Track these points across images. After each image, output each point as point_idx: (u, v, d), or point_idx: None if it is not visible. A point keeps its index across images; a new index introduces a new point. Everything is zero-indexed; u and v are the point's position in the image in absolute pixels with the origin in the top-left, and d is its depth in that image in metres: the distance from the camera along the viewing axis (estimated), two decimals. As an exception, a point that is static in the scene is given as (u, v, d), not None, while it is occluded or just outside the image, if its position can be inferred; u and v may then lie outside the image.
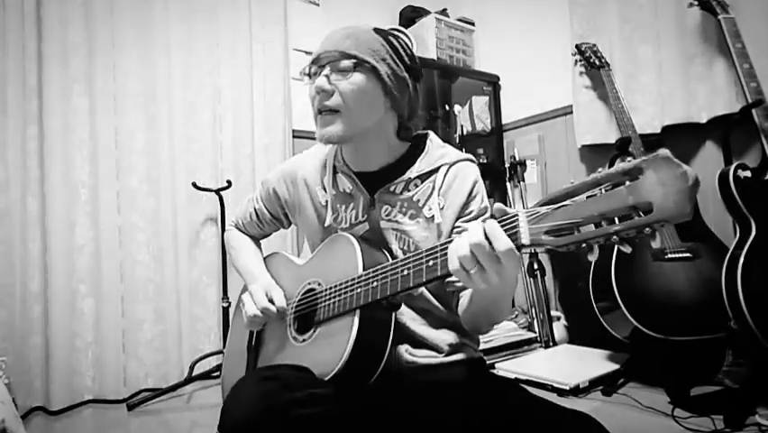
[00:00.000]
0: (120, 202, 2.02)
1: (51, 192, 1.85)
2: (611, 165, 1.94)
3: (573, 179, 0.57)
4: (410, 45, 0.89)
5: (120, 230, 2.01)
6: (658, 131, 2.02)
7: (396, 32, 0.89)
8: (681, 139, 1.99)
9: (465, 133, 2.73)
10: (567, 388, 1.71)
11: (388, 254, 0.87)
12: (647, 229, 0.49)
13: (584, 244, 0.55)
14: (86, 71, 1.94)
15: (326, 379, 0.75)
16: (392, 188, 0.90)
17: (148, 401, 1.84)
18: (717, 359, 1.68)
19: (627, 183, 0.51)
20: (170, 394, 1.93)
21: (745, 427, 1.36)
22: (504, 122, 2.76)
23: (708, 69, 1.87)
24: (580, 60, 2.18)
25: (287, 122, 2.44)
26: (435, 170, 0.91)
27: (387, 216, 0.90)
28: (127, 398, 1.92)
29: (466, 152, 2.64)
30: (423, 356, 0.87)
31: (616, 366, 1.85)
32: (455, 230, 0.88)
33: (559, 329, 2.32)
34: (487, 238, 0.61)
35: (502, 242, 0.60)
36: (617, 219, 0.52)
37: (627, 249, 0.52)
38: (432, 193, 0.89)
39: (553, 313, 2.39)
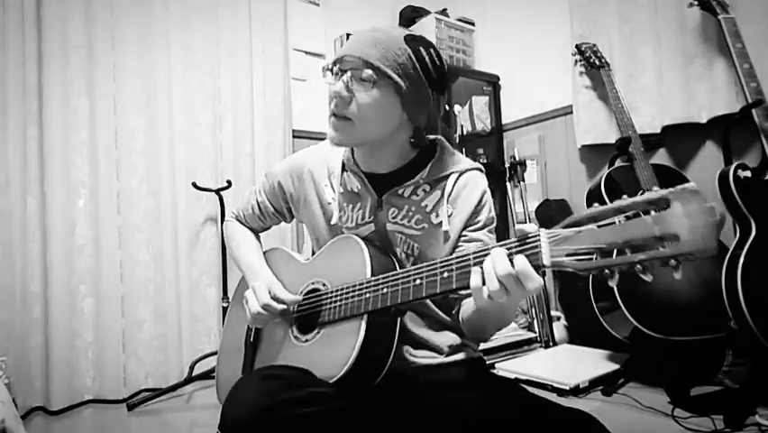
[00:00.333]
0: (120, 202, 2.02)
1: (51, 192, 1.85)
2: (611, 165, 1.95)
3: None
4: (438, 58, 0.85)
5: (120, 230, 2.01)
6: (658, 131, 2.02)
7: (426, 44, 0.84)
8: (681, 139, 2.00)
9: (465, 133, 2.73)
10: (567, 388, 1.71)
11: (395, 261, 0.87)
12: (672, 261, 0.50)
13: (606, 270, 0.55)
14: (86, 71, 1.94)
15: (331, 382, 0.75)
16: (400, 192, 0.90)
17: (148, 401, 1.84)
18: (717, 359, 1.68)
19: (653, 213, 0.51)
20: (170, 394, 1.93)
21: (745, 427, 1.36)
22: (504, 122, 2.76)
23: (708, 69, 1.87)
24: (580, 60, 2.18)
25: (287, 122, 2.44)
26: (445, 178, 0.90)
27: (393, 218, 0.90)
28: (127, 398, 1.92)
29: (466, 152, 2.65)
30: (423, 357, 0.87)
31: (616, 366, 1.85)
32: (462, 238, 0.88)
33: (559, 329, 2.32)
34: (511, 261, 0.62)
35: (529, 273, 0.60)
36: (635, 248, 0.52)
37: (649, 278, 0.53)
38: (440, 200, 0.89)
39: (553, 313, 2.39)
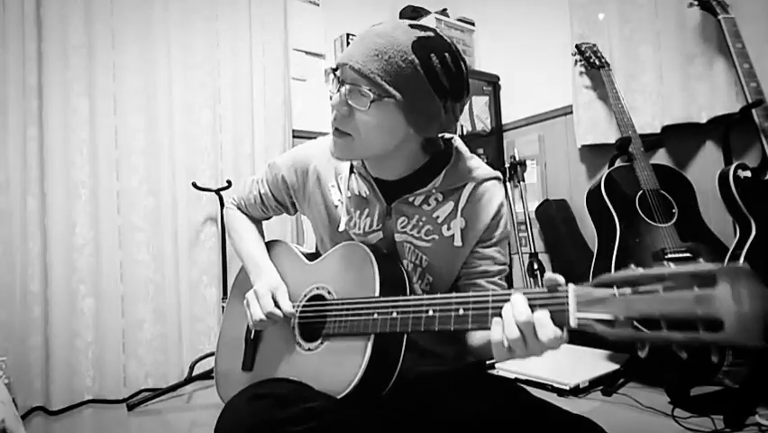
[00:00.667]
0: (120, 202, 2.02)
1: (51, 192, 1.85)
2: (611, 165, 1.95)
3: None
4: (454, 61, 0.75)
5: (120, 230, 2.01)
6: (658, 131, 2.02)
7: (439, 48, 0.74)
8: (681, 139, 2.00)
9: (465, 133, 2.73)
10: (567, 388, 1.71)
11: (405, 275, 0.83)
12: (713, 350, 0.47)
13: (638, 343, 0.51)
14: (86, 71, 1.94)
15: (337, 397, 0.74)
16: (411, 199, 0.84)
17: (148, 401, 1.84)
18: (718, 359, 1.68)
19: (696, 289, 0.47)
20: (170, 394, 1.93)
21: (745, 427, 1.36)
22: (504, 122, 2.76)
23: (708, 69, 1.87)
24: (580, 60, 2.18)
25: (287, 122, 2.44)
26: (460, 187, 0.84)
27: (402, 228, 0.85)
28: (127, 398, 1.92)
29: (466, 152, 2.65)
30: (426, 364, 0.86)
31: (616, 366, 1.85)
32: (473, 255, 0.85)
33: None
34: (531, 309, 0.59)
35: (550, 331, 0.57)
36: (671, 323, 0.49)
37: (684, 355, 0.49)
38: (453, 212, 0.83)
39: (553, 313, 2.39)
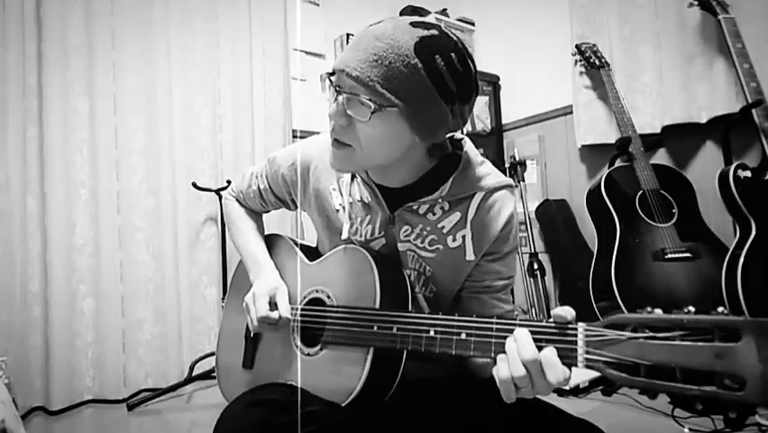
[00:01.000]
0: (120, 202, 2.02)
1: (51, 192, 1.85)
2: (611, 165, 1.95)
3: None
4: (461, 61, 0.69)
5: (120, 230, 2.01)
6: (658, 131, 2.02)
7: (444, 48, 0.68)
8: (681, 139, 2.00)
9: (465, 133, 2.73)
10: (567, 388, 1.71)
11: (407, 283, 0.81)
12: (731, 410, 0.44)
13: (650, 391, 0.49)
14: (86, 71, 1.94)
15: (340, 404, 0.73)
16: (415, 207, 0.80)
17: (148, 401, 1.84)
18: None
19: (718, 343, 0.44)
20: (170, 394, 1.93)
21: (745, 427, 1.37)
22: (504, 122, 2.76)
23: (708, 69, 1.87)
24: (580, 60, 2.18)
25: (287, 122, 2.44)
26: (469, 197, 0.79)
27: (405, 236, 0.82)
28: (127, 398, 1.92)
29: (466, 152, 2.65)
30: (426, 369, 0.85)
31: (616, 366, 1.85)
32: (478, 268, 0.82)
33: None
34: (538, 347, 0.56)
35: (558, 371, 0.54)
36: (686, 373, 0.47)
37: (699, 407, 0.47)
38: (459, 222, 0.79)
39: (553, 313, 2.39)
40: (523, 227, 2.58)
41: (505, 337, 0.59)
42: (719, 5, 1.73)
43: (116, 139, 2.02)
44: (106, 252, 1.96)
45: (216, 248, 2.21)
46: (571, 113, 2.32)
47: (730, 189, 1.49)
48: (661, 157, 2.08)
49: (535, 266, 2.41)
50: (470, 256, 0.79)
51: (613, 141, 2.05)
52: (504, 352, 0.58)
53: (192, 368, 1.99)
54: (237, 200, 1.07)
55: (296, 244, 1.00)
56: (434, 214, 0.80)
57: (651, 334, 0.49)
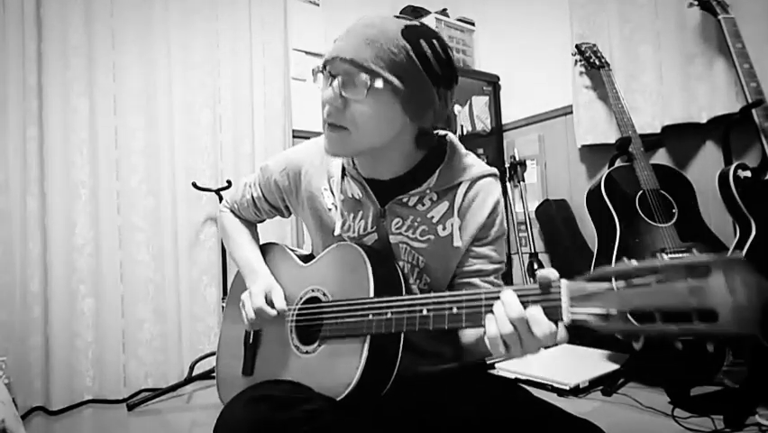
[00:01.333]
0: (120, 202, 2.02)
1: (51, 192, 1.85)
2: (611, 165, 1.95)
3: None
4: (443, 49, 0.76)
5: (120, 230, 2.01)
6: (658, 131, 2.02)
7: (428, 35, 0.75)
8: (681, 139, 2.00)
9: (465, 133, 2.73)
10: (567, 388, 1.71)
11: (400, 273, 0.82)
12: (708, 340, 0.47)
13: (632, 337, 0.52)
14: (87, 71, 1.94)
15: (337, 399, 0.73)
16: (405, 200, 0.83)
17: (148, 401, 1.85)
18: (717, 359, 1.68)
19: (690, 280, 0.47)
20: (170, 394, 1.93)
21: (745, 427, 1.36)
22: (504, 122, 2.76)
23: (708, 69, 1.87)
24: (580, 60, 2.18)
25: (287, 122, 2.44)
26: (455, 186, 0.83)
27: (397, 229, 0.84)
28: (127, 398, 1.92)
29: (466, 152, 2.65)
30: (424, 364, 0.86)
31: (616, 366, 1.85)
32: (469, 254, 0.84)
33: (559, 329, 2.32)
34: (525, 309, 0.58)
35: (544, 326, 0.57)
36: (666, 315, 0.49)
37: (679, 346, 0.50)
38: (448, 211, 0.82)
39: (553, 313, 2.39)
40: (523, 227, 2.58)
41: (493, 305, 0.62)
42: (719, 5, 1.73)
43: (116, 139, 2.02)
44: (106, 252, 1.96)
45: (216, 248, 2.21)
46: (571, 113, 2.32)
47: (730, 189, 1.49)
48: (661, 157, 2.08)
49: (535, 266, 2.41)
50: (457, 242, 0.82)
51: (613, 141, 2.05)
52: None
53: (192, 368, 1.99)
54: (232, 211, 1.10)
55: (291, 251, 1.02)
56: (424, 205, 0.83)
57: (629, 282, 0.51)
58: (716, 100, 1.84)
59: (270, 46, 2.41)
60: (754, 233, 1.45)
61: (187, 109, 2.18)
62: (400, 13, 2.84)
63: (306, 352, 0.83)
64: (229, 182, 2.20)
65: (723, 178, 1.51)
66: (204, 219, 2.21)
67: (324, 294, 0.85)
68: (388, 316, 0.72)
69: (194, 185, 2.12)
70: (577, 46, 2.19)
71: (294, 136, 2.48)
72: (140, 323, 2.03)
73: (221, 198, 2.15)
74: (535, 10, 2.59)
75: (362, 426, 0.75)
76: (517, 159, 2.62)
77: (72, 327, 1.88)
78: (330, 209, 0.90)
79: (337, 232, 0.88)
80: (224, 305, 1.12)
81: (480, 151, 2.71)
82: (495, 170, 0.87)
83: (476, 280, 0.84)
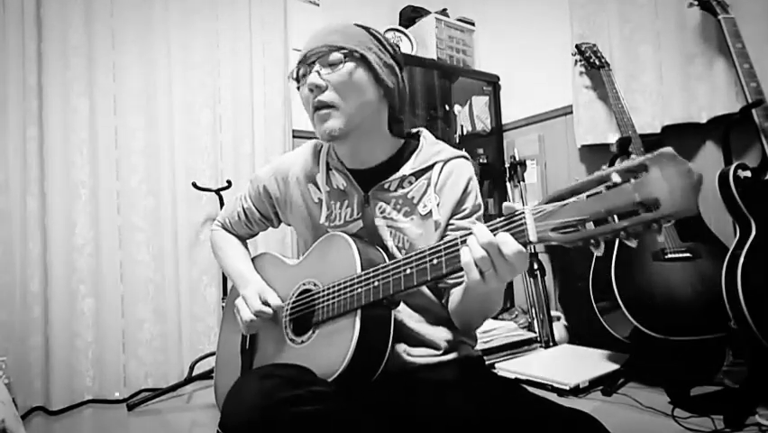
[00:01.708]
0: (120, 202, 2.02)
1: (51, 192, 1.85)
2: (611, 165, 1.94)
3: (578, 177, 0.57)
4: (386, 39, 0.91)
5: (120, 230, 2.01)
6: (658, 131, 2.02)
7: (373, 30, 0.91)
8: (681, 139, 1.99)
9: (465, 133, 2.73)
10: (567, 388, 1.71)
11: (384, 253, 0.86)
12: (654, 225, 0.51)
13: (592, 241, 0.55)
14: (87, 71, 1.94)
15: (330, 379, 0.75)
16: (386, 186, 0.91)
17: (148, 401, 1.84)
18: (717, 359, 1.68)
19: (633, 180, 0.52)
20: (170, 394, 1.93)
21: (745, 427, 1.36)
22: (504, 122, 2.76)
23: (708, 69, 1.87)
24: (580, 60, 2.18)
25: (287, 122, 2.44)
26: (430, 168, 0.91)
27: (381, 213, 0.90)
28: (127, 398, 1.92)
29: (466, 152, 2.65)
30: (421, 355, 0.87)
31: (616, 366, 1.85)
32: (450, 227, 0.89)
33: (559, 329, 2.32)
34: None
35: (511, 245, 0.61)
36: (618, 215, 0.53)
37: (633, 243, 0.54)
38: (427, 190, 0.90)
39: (553, 313, 2.39)
40: (523, 227, 2.57)
41: None
42: (719, 5, 1.73)
43: (116, 139, 2.02)
44: (106, 252, 1.96)
45: (216, 248, 2.20)
46: (571, 113, 2.32)
47: (730, 189, 1.49)
48: (661, 157, 2.08)
49: (535, 266, 2.41)
50: (437, 216, 0.88)
51: (613, 141, 2.04)
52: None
53: (192, 368, 1.99)
54: (223, 228, 1.14)
55: (283, 257, 1.05)
56: (404, 188, 0.91)
57: (582, 195, 0.56)
58: (716, 100, 1.84)
59: (270, 46, 2.41)
60: (754, 233, 1.45)
61: (187, 109, 2.18)
62: (400, 12, 2.86)
63: (302, 342, 0.85)
64: (229, 182, 2.20)
65: (723, 178, 1.51)
66: (204, 219, 2.21)
67: (315, 284, 0.88)
68: (375, 284, 0.76)
69: (194, 185, 2.12)
70: (577, 46, 2.19)
71: (294, 136, 2.48)
72: (140, 323, 2.03)
73: (221, 198, 2.15)
74: (535, 10, 2.59)
75: (363, 417, 0.76)
76: (517, 159, 2.61)
77: (72, 327, 1.88)
78: (317, 202, 0.96)
79: (322, 220, 0.93)
80: (221, 322, 1.14)
81: (480, 151, 2.71)
82: (465, 153, 0.96)
83: None
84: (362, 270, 0.80)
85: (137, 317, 2.02)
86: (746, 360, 1.49)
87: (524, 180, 2.59)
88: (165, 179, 2.10)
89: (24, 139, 1.81)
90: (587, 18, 2.23)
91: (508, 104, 2.74)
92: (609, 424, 0.70)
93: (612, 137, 2.13)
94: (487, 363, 2.03)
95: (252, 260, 1.08)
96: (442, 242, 0.71)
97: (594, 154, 2.33)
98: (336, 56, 0.83)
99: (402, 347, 0.86)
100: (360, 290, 0.78)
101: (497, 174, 2.66)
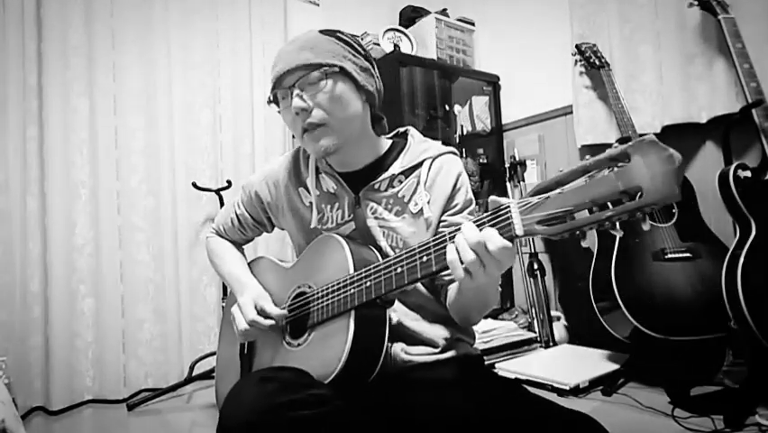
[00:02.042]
0: (120, 202, 2.02)
1: (51, 192, 1.85)
2: (611, 165, 1.95)
3: (562, 168, 0.57)
4: (353, 37, 0.90)
5: (120, 230, 2.01)
6: (658, 131, 2.02)
7: (338, 31, 0.89)
8: (681, 139, 1.99)
9: (465, 133, 2.72)
10: (567, 388, 1.71)
11: (377, 252, 0.86)
12: (638, 213, 0.50)
13: (577, 231, 0.55)
14: (87, 71, 1.94)
15: (326, 381, 0.75)
16: (376, 186, 0.91)
17: (148, 401, 1.85)
18: (717, 359, 1.68)
19: (616, 169, 0.52)
20: (170, 394, 1.93)
21: (745, 427, 1.36)
22: (504, 122, 2.76)
23: (708, 69, 1.87)
24: (580, 60, 2.18)
25: (287, 122, 2.43)
26: (419, 165, 0.91)
27: (373, 213, 0.90)
28: (127, 398, 1.92)
29: (466, 151, 2.65)
30: (418, 354, 0.87)
31: (616, 366, 1.85)
32: (441, 224, 0.89)
33: (559, 329, 2.32)
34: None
35: (497, 241, 0.61)
36: (609, 204, 0.53)
37: (620, 233, 0.54)
38: (417, 188, 0.89)
39: (553, 313, 2.39)
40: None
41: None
42: (719, 5, 1.73)
43: (116, 139, 2.02)
44: (106, 252, 1.96)
45: (216, 248, 2.20)
46: (571, 113, 2.32)
47: (730, 189, 1.49)
48: (661, 157, 2.08)
49: (535, 266, 2.41)
50: (428, 214, 0.88)
51: (613, 141, 2.05)
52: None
53: (192, 368, 1.99)
54: (218, 234, 1.15)
55: (279, 261, 1.05)
56: (394, 187, 0.91)
57: (566, 186, 0.56)
58: (716, 100, 1.84)
59: (270, 46, 2.41)
60: (753, 233, 1.45)
61: (187, 109, 2.18)
62: (400, 12, 2.85)
63: (298, 345, 0.85)
64: (229, 182, 2.20)
65: (723, 178, 1.51)
66: (204, 219, 2.21)
67: (310, 287, 0.88)
68: (368, 284, 0.76)
69: (194, 185, 2.12)
70: (577, 46, 2.19)
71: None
72: (140, 323, 2.03)
73: (221, 198, 2.15)
74: (535, 10, 2.59)
75: (362, 419, 0.76)
76: (517, 159, 2.61)
77: (72, 327, 1.88)
78: (308, 206, 0.96)
79: (314, 224, 0.93)
80: (220, 328, 1.14)
81: (480, 151, 2.71)
82: (453, 149, 0.95)
83: None
84: (355, 270, 0.80)
85: (137, 317, 2.02)
86: (746, 360, 1.49)
87: (524, 180, 2.59)
88: (165, 179, 2.10)
89: (24, 139, 1.81)
90: (587, 18, 2.23)
91: (508, 104, 2.74)
92: (609, 424, 0.70)
93: (612, 137, 2.13)
94: (487, 363, 2.03)
95: (249, 264, 1.08)
96: (431, 239, 0.70)
97: (594, 154, 2.31)
98: (315, 75, 0.82)
99: (400, 346, 0.86)
100: (352, 290, 0.78)
101: (497, 174, 2.66)
